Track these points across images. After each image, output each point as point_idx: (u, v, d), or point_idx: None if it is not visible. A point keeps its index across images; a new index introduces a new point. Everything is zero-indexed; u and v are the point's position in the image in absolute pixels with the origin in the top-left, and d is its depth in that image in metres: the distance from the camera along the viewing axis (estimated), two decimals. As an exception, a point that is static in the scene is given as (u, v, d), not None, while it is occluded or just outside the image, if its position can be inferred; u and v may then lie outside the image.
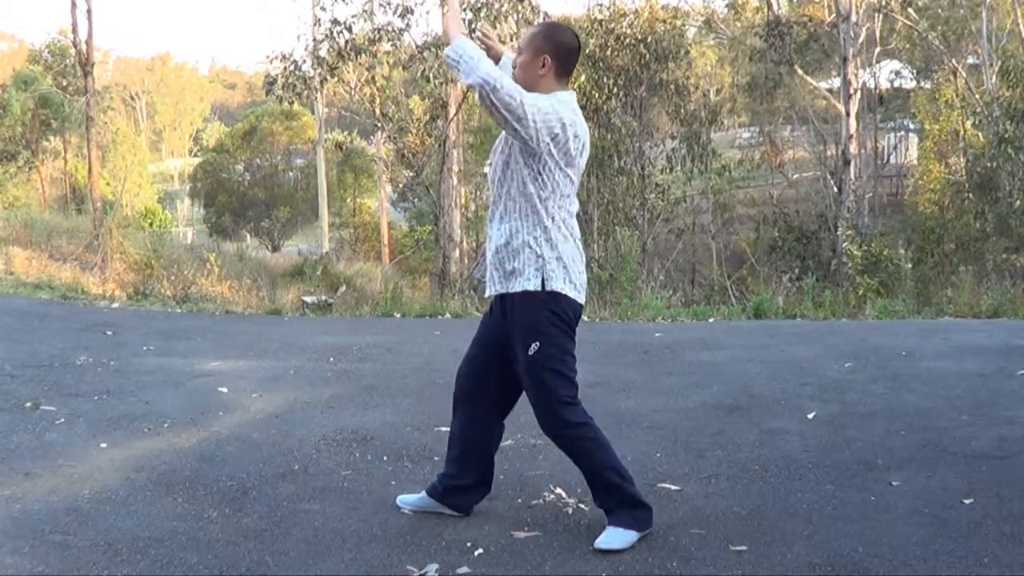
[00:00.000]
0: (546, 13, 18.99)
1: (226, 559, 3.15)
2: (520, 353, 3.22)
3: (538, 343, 3.19)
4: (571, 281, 3.23)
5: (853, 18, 18.03)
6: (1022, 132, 15.85)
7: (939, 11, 23.17)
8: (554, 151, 3.13)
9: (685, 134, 19.46)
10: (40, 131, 27.69)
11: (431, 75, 15.49)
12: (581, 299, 3.29)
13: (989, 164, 16.44)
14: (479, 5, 15.83)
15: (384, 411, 5.05)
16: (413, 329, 8.18)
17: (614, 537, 3.21)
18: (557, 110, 3.12)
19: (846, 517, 3.46)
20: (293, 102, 18.69)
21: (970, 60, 24.05)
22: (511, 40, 19.32)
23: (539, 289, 3.18)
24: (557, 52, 3.20)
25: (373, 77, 16.53)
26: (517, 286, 3.22)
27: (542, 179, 3.16)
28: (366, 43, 16.21)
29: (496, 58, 3.41)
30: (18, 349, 6.83)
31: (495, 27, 16.49)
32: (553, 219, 3.20)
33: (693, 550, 3.19)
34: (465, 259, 19.87)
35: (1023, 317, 8.84)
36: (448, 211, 16.88)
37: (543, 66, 3.18)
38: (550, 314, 3.20)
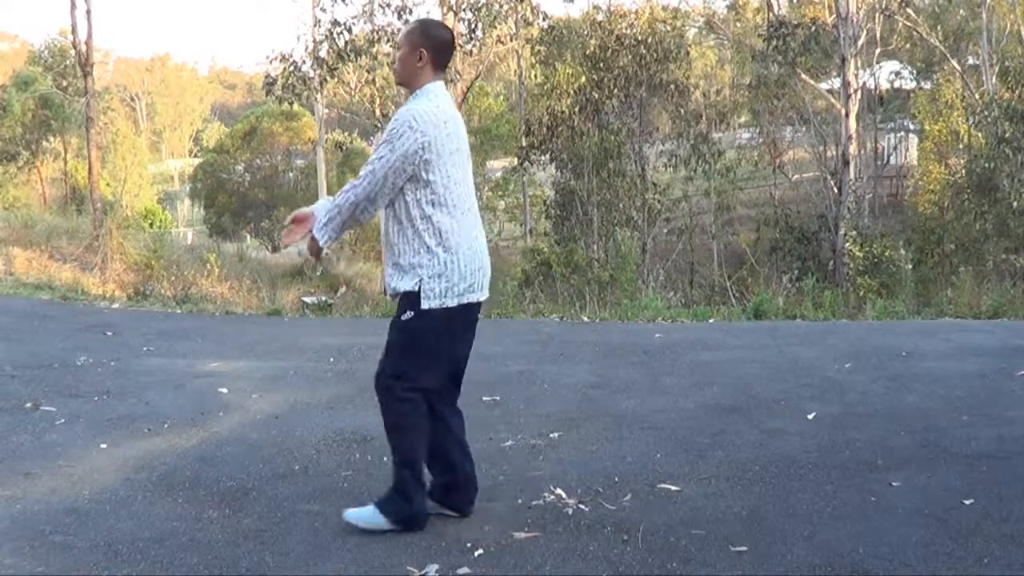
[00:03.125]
0: (546, 13, 19.01)
1: (226, 559, 3.15)
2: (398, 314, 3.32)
3: (412, 314, 3.28)
4: (450, 294, 3.28)
5: (853, 19, 18.03)
6: (1020, 133, 15.84)
7: (937, 10, 23.18)
8: (431, 168, 3.23)
9: (691, 134, 19.45)
10: (40, 131, 27.68)
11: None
12: (467, 299, 3.32)
13: (987, 165, 16.43)
14: (479, 5, 15.83)
15: (384, 411, 5.04)
16: (413, 329, 8.16)
17: (364, 514, 3.36)
18: (416, 136, 3.20)
19: (846, 517, 3.46)
20: (293, 103, 18.70)
21: (970, 61, 24.04)
22: (511, 40, 19.33)
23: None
24: (434, 46, 3.34)
25: (373, 78, 16.54)
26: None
27: (425, 196, 3.25)
28: (366, 44, 16.21)
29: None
30: (18, 349, 6.84)
31: (495, 28, 16.52)
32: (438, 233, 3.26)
33: (693, 550, 3.19)
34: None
35: (1023, 317, 8.83)
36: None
37: (420, 59, 3.33)
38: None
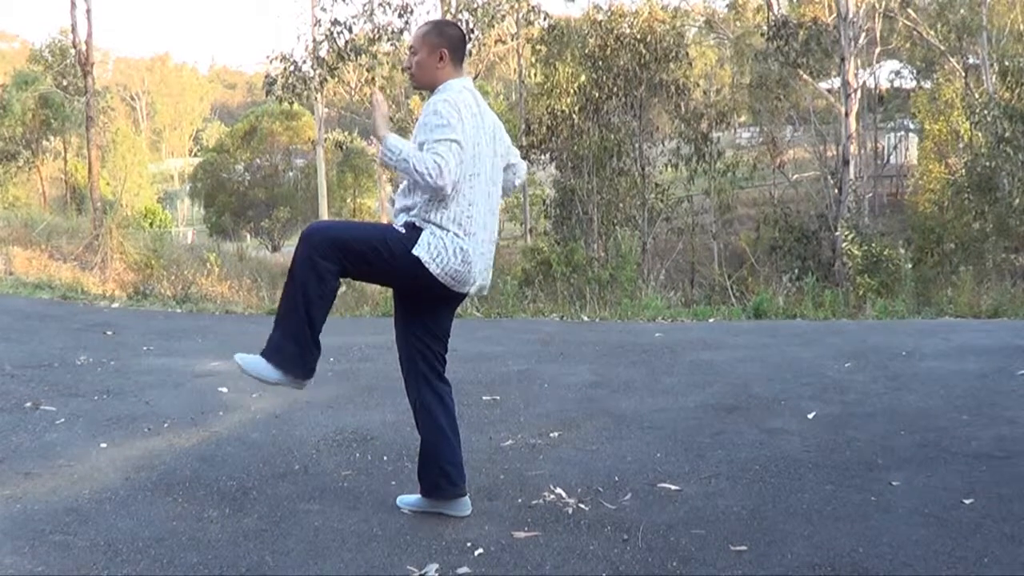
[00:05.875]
0: (546, 13, 19.01)
1: (226, 559, 3.14)
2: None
3: (404, 231, 3.27)
4: (438, 261, 3.26)
5: (853, 18, 18.04)
6: (1020, 132, 15.85)
7: (938, 9, 23.15)
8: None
9: (692, 134, 19.44)
10: (40, 131, 27.67)
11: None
12: (446, 282, 3.30)
13: (987, 164, 16.44)
14: (475, 5, 15.84)
15: (384, 411, 5.05)
16: (413, 329, 8.15)
17: (255, 363, 3.49)
18: (456, 129, 3.19)
19: (846, 517, 3.46)
20: (293, 102, 18.71)
21: (971, 60, 24.04)
22: (511, 40, 19.30)
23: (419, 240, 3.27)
24: (451, 44, 3.38)
25: (373, 77, 16.55)
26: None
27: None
28: (366, 43, 16.22)
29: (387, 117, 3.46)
30: (18, 349, 6.83)
31: (493, 27, 16.51)
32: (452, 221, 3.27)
33: (693, 550, 3.19)
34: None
35: (1023, 317, 8.84)
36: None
37: (441, 59, 3.36)
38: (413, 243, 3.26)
